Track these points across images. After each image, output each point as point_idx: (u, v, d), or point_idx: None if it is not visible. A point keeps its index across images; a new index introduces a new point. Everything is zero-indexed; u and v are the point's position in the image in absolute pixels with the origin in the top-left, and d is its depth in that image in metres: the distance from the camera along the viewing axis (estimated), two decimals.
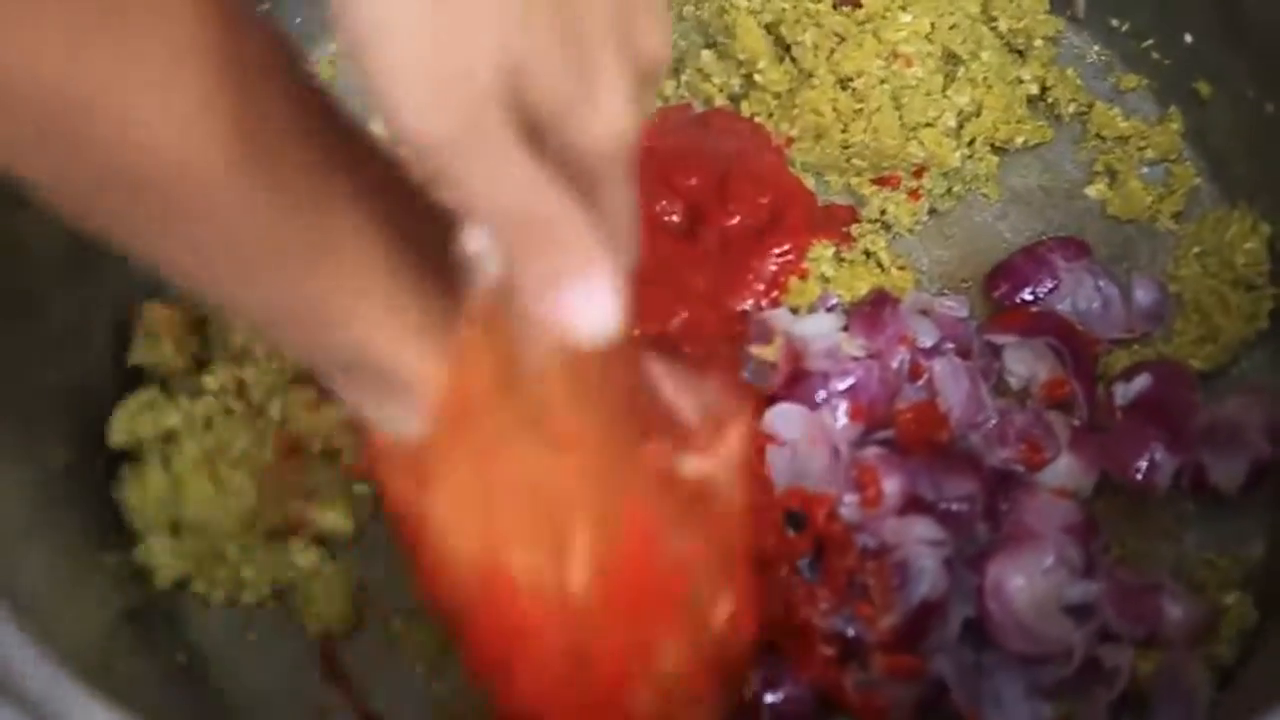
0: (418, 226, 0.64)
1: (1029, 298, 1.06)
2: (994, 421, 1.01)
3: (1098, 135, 1.13)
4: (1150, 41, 1.13)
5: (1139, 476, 0.98)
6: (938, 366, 1.02)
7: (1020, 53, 1.15)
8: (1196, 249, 1.08)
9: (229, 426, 0.98)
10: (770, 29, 1.13)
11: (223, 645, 0.97)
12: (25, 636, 0.72)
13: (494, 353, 0.62)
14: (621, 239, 0.59)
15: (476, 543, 0.65)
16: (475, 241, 0.58)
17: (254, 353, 0.99)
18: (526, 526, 0.65)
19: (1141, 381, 1.00)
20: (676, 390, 0.74)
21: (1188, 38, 1.10)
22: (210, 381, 0.99)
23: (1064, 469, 0.99)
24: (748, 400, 0.76)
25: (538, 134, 0.52)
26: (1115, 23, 1.15)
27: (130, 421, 0.97)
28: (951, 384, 1.02)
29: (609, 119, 0.54)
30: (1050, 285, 1.06)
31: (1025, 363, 1.03)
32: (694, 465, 0.71)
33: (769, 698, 0.93)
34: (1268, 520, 1.00)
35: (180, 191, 0.55)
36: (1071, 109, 1.14)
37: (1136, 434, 0.99)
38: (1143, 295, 1.06)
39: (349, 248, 0.61)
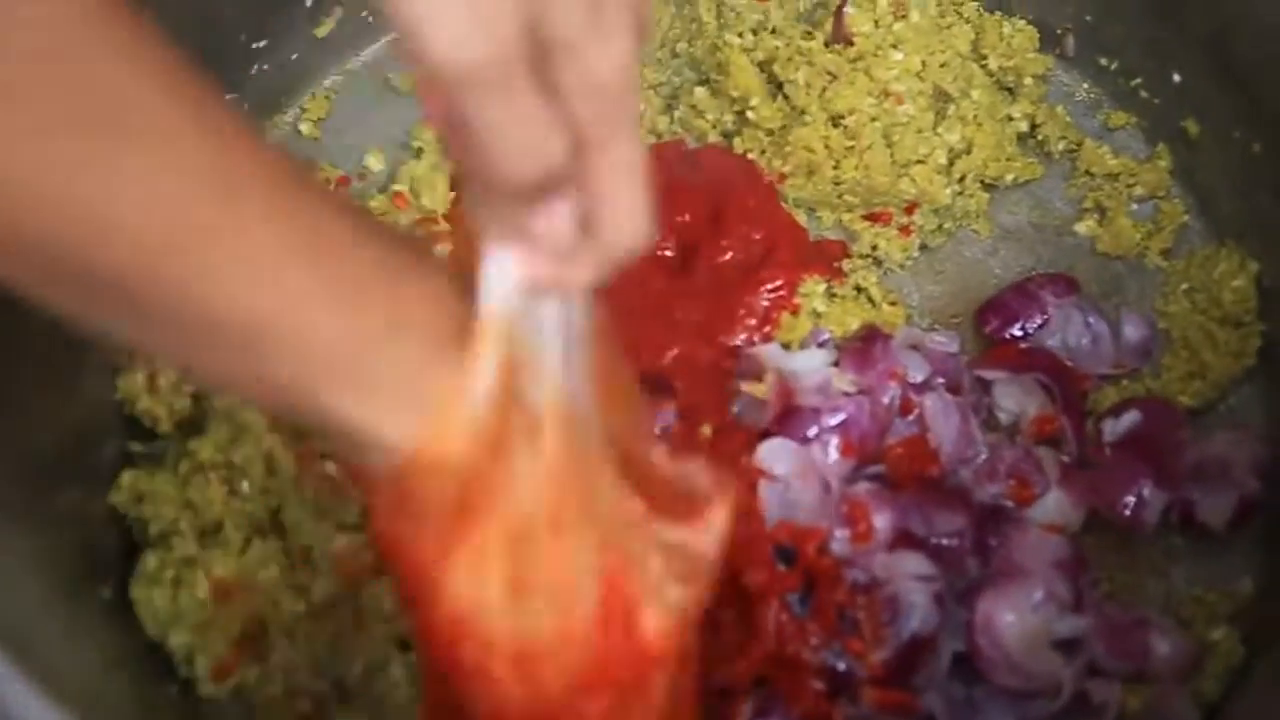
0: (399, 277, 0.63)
1: (1019, 333, 1.06)
2: (984, 456, 1.01)
3: (1087, 172, 1.13)
4: (1139, 80, 1.13)
5: (1127, 512, 0.98)
6: (928, 402, 1.02)
7: (1010, 90, 1.15)
8: (1185, 286, 1.08)
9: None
10: (763, 66, 1.13)
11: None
12: (19, 672, 0.71)
13: (493, 411, 0.61)
14: (631, 201, 0.60)
15: (465, 594, 0.65)
16: (495, 267, 0.58)
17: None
18: (514, 588, 0.64)
19: (1130, 418, 1.00)
20: (666, 462, 0.73)
21: (1176, 77, 1.10)
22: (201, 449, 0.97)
23: (1053, 505, 0.99)
24: (732, 482, 0.75)
25: (548, 75, 0.54)
26: (1104, 61, 1.15)
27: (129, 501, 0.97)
28: (942, 419, 1.01)
29: (617, 54, 0.55)
30: (1040, 320, 1.06)
31: (1014, 398, 1.03)
32: (677, 535, 0.70)
33: None
34: (1256, 557, 0.99)
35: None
36: (1061, 146, 1.14)
37: (1125, 470, 0.99)
38: (1132, 331, 1.06)
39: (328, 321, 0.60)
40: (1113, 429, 1.00)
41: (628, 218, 0.60)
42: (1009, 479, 0.99)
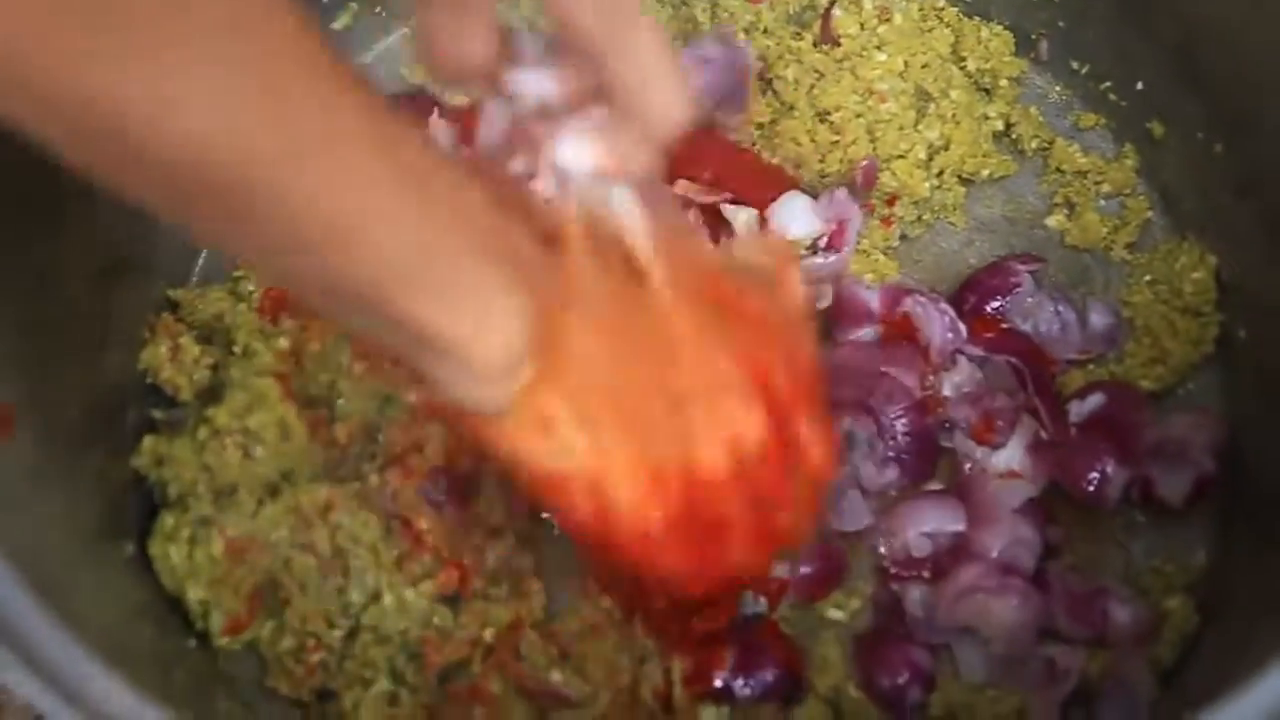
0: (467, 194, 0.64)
1: (995, 307, 1.08)
2: (979, 378, 1.04)
3: (1058, 169, 1.15)
4: (1108, 84, 1.15)
5: (1091, 488, 1.01)
6: (912, 304, 1.05)
7: (987, 91, 1.17)
8: (1148, 277, 1.10)
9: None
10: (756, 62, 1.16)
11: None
12: (53, 620, 0.73)
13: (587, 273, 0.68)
14: (664, 79, 0.65)
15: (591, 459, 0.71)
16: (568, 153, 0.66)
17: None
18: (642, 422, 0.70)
19: (1095, 400, 1.03)
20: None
21: (1140, 85, 1.12)
22: (217, 415, 1.00)
23: (1016, 459, 1.02)
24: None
25: None
26: (1076, 65, 1.17)
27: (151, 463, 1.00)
28: (925, 319, 1.05)
29: None
30: (1013, 289, 1.08)
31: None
32: (750, 251, 0.79)
33: (740, 682, 0.95)
34: (1210, 531, 1.02)
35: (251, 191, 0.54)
36: (1034, 144, 1.16)
37: (1089, 449, 1.02)
38: (1098, 319, 1.09)
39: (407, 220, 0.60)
40: (1078, 410, 1.03)
41: (665, 95, 0.64)
42: (980, 414, 1.02)
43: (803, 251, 1.09)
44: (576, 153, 0.67)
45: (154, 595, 0.96)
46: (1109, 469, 1.01)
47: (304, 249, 0.58)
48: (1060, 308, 1.08)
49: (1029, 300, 1.08)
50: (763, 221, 1.09)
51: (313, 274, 0.60)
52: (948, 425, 1.03)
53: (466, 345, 0.64)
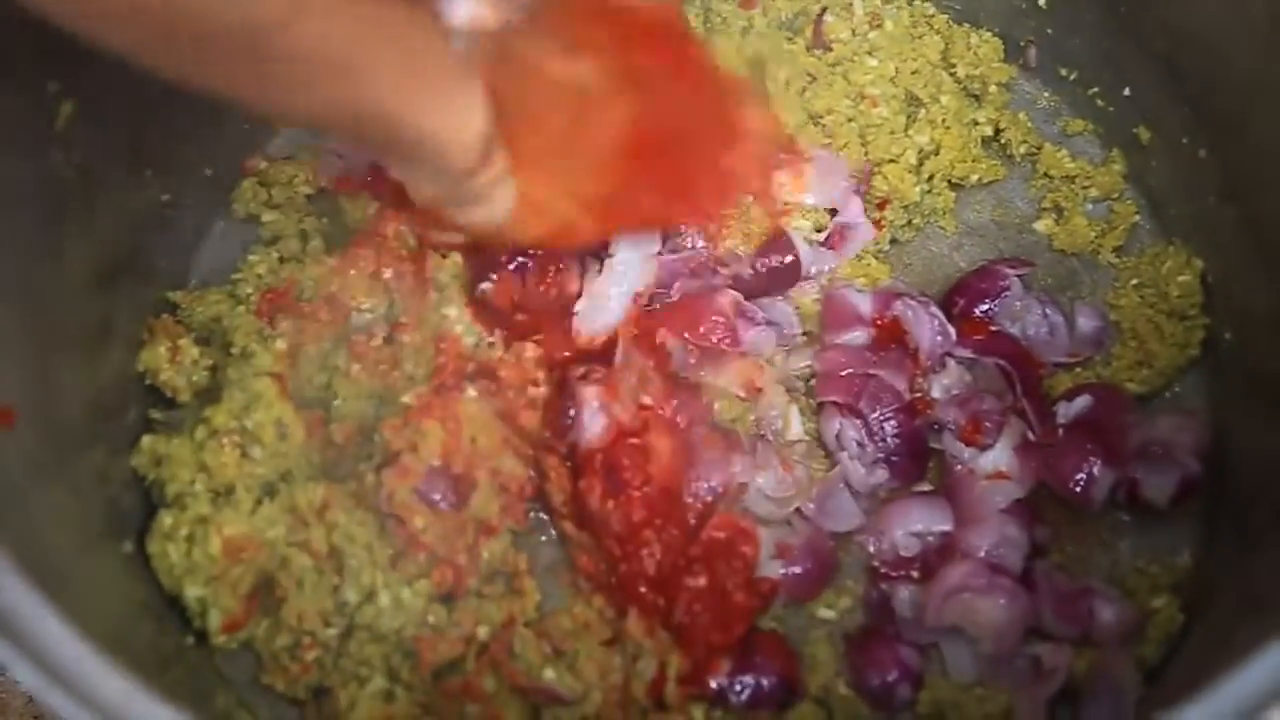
0: None
1: (984, 310, 1.09)
2: (968, 381, 1.05)
3: (1046, 174, 1.16)
4: (1096, 90, 1.16)
5: (1078, 490, 1.02)
6: (902, 308, 1.06)
7: (976, 97, 1.18)
8: (1135, 281, 1.11)
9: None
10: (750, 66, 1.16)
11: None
12: (56, 614, 0.73)
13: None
14: None
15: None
16: None
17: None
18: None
19: (1082, 402, 1.04)
20: None
21: (1126, 91, 1.13)
22: (215, 415, 1.00)
23: (1004, 461, 1.02)
24: None
25: None
26: (1064, 72, 1.18)
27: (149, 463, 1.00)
28: (915, 323, 1.06)
29: None
30: (1001, 293, 1.09)
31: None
32: None
33: (738, 685, 0.96)
34: (1194, 532, 1.03)
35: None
36: (1023, 150, 1.17)
37: (1076, 451, 1.02)
38: (1085, 322, 1.09)
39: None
40: (1065, 412, 1.04)
41: None
42: (968, 416, 1.03)
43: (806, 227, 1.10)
44: None
45: (153, 593, 0.96)
46: (1095, 470, 1.01)
47: (327, 86, 0.76)
48: (1048, 311, 1.09)
49: (1017, 303, 1.09)
50: None
51: (335, 107, 0.79)
52: (936, 427, 1.04)
53: (451, 139, 0.84)
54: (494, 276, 1.04)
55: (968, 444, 1.02)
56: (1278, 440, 0.96)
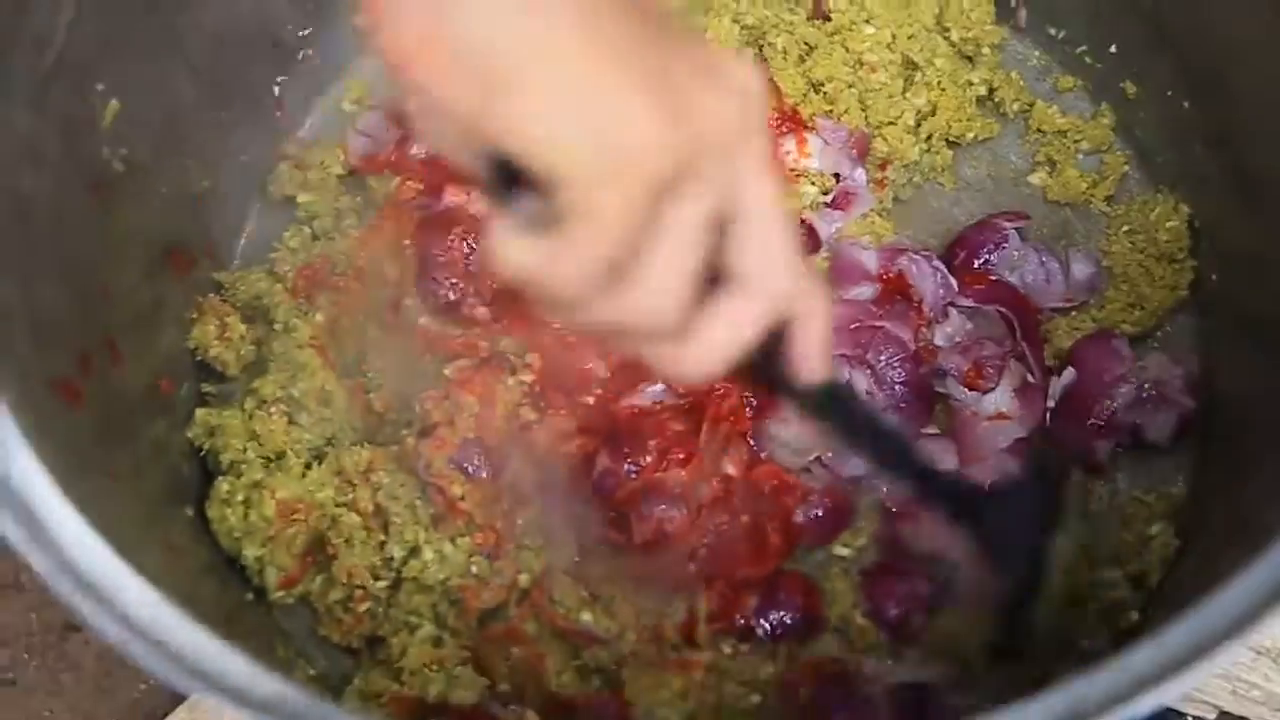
0: None
1: (983, 260, 1.11)
2: (969, 328, 1.08)
3: (1039, 130, 1.18)
4: (1084, 47, 1.18)
5: (1084, 462, 1.05)
6: (906, 263, 1.09)
7: (970, 59, 1.20)
8: (1126, 228, 1.14)
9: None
10: (749, 30, 1.19)
11: None
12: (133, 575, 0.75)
13: None
14: None
15: None
16: None
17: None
18: None
19: (1068, 375, 1.07)
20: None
21: (1113, 48, 1.15)
22: (263, 387, 1.04)
23: (1005, 403, 1.05)
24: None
25: None
26: (1053, 31, 1.20)
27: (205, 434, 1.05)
28: (918, 276, 1.09)
29: None
30: (999, 244, 1.11)
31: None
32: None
33: (765, 620, 1.00)
34: (1189, 462, 1.06)
35: None
36: (1016, 107, 1.19)
37: (1072, 432, 1.05)
38: (1079, 269, 1.12)
39: None
40: (1055, 388, 1.07)
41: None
42: (971, 362, 1.06)
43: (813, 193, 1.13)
44: None
45: (214, 554, 1.01)
46: (1095, 443, 1.05)
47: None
48: (1044, 259, 1.12)
49: (1015, 253, 1.12)
50: None
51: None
52: (941, 373, 1.07)
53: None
54: None
55: (970, 388, 1.06)
56: (1261, 374, 0.99)
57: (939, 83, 1.17)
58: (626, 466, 1.02)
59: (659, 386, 1.05)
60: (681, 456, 1.02)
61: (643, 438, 1.03)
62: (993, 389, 1.05)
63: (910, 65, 1.17)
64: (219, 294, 1.10)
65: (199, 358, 1.08)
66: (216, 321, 1.07)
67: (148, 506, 0.95)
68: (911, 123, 1.15)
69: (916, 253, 1.10)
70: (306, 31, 1.16)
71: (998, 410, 1.05)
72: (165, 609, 0.75)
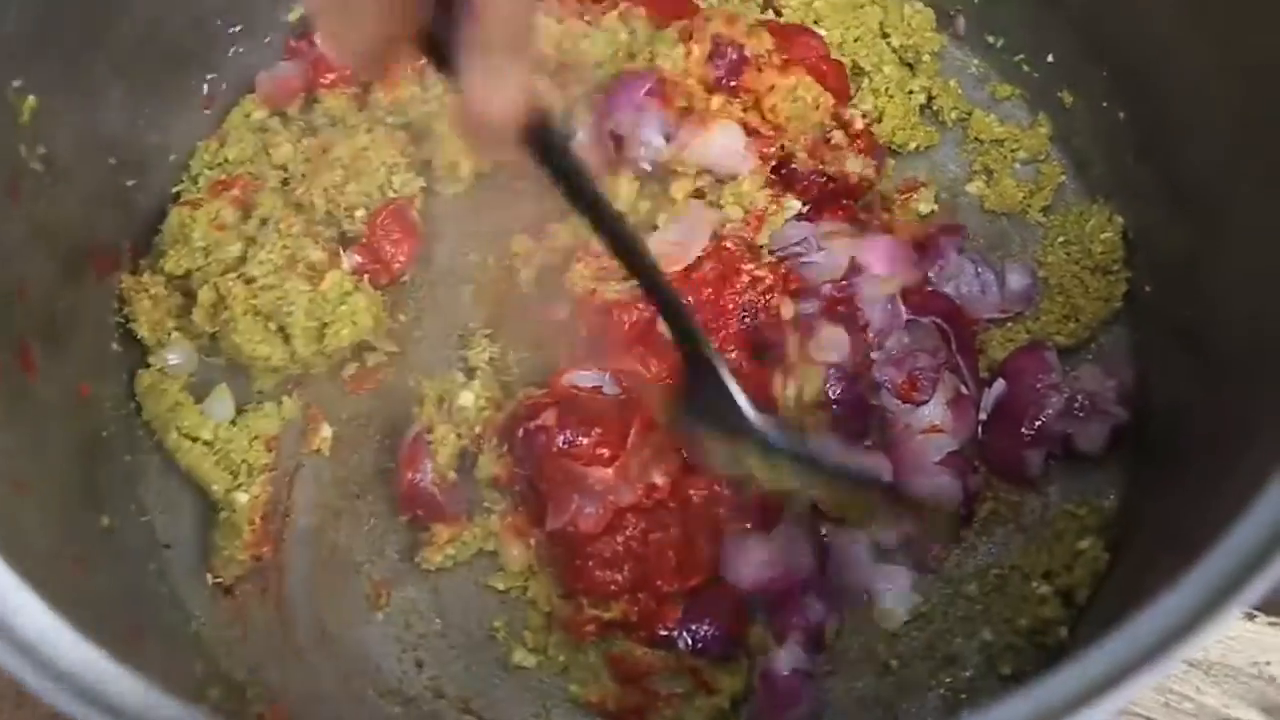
0: None
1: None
2: (905, 341, 1.06)
3: (977, 138, 1.18)
4: (1022, 56, 1.17)
5: (1014, 471, 1.05)
6: (860, 283, 1.07)
7: (910, 66, 1.19)
8: (1061, 239, 1.13)
9: None
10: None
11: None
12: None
13: None
14: None
15: None
16: None
17: None
18: None
19: (998, 387, 1.06)
20: None
21: (1050, 57, 1.14)
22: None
23: (939, 416, 1.04)
24: None
25: None
26: (991, 40, 1.19)
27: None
28: (868, 301, 1.07)
29: None
30: (937, 265, 1.10)
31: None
32: None
33: (687, 634, 0.99)
34: (1121, 475, 1.05)
35: None
36: (954, 115, 1.18)
37: (1003, 442, 1.05)
38: (1015, 280, 1.11)
39: None
40: (985, 402, 1.06)
41: None
42: (905, 374, 1.04)
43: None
44: None
45: (130, 568, 0.98)
46: (1026, 453, 1.04)
47: None
48: (980, 270, 1.11)
49: (951, 264, 1.10)
50: None
51: None
52: (876, 386, 1.05)
53: None
54: None
55: (904, 401, 1.04)
56: (1195, 384, 0.98)
57: (886, 89, 1.16)
58: (563, 436, 1.00)
59: (593, 372, 1.04)
60: (607, 455, 1.00)
61: (590, 422, 1.00)
62: (926, 401, 1.04)
63: (858, 71, 1.16)
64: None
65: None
66: (143, 291, 1.06)
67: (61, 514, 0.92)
68: (859, 128, 1.13)
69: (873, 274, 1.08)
70: (236, 29, 1.14)
71: (931, 423, 1.04)
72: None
